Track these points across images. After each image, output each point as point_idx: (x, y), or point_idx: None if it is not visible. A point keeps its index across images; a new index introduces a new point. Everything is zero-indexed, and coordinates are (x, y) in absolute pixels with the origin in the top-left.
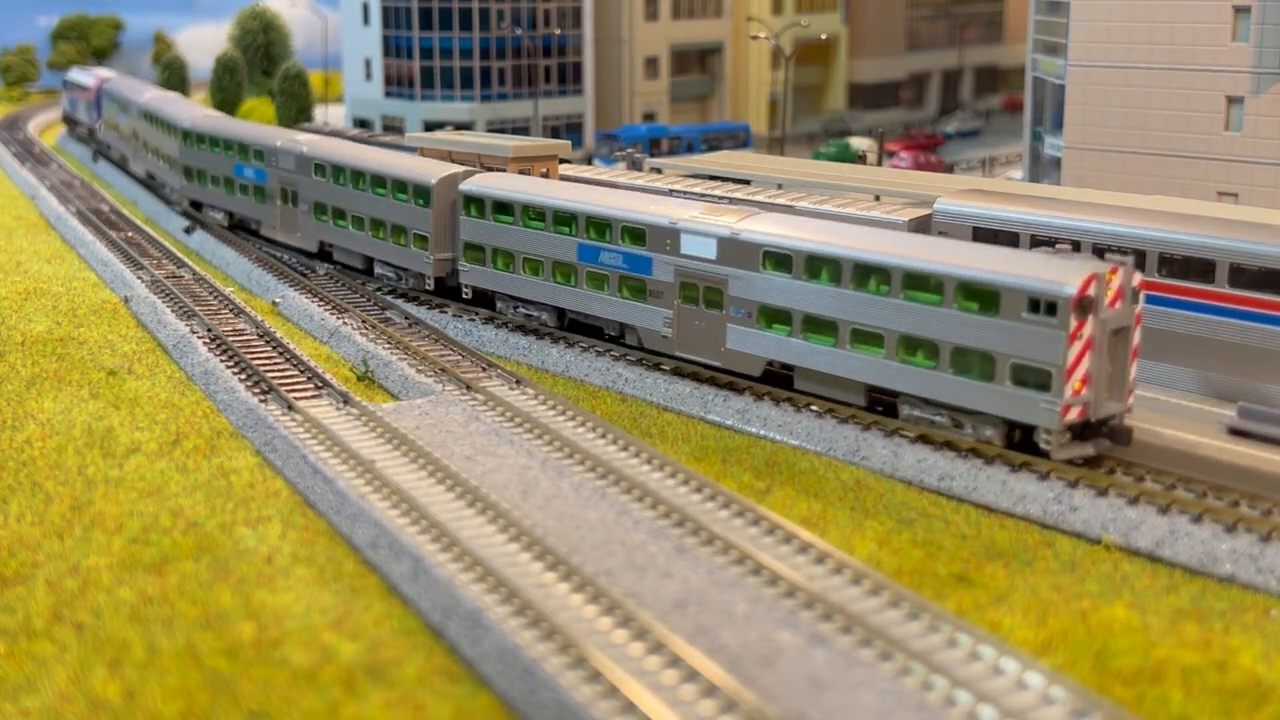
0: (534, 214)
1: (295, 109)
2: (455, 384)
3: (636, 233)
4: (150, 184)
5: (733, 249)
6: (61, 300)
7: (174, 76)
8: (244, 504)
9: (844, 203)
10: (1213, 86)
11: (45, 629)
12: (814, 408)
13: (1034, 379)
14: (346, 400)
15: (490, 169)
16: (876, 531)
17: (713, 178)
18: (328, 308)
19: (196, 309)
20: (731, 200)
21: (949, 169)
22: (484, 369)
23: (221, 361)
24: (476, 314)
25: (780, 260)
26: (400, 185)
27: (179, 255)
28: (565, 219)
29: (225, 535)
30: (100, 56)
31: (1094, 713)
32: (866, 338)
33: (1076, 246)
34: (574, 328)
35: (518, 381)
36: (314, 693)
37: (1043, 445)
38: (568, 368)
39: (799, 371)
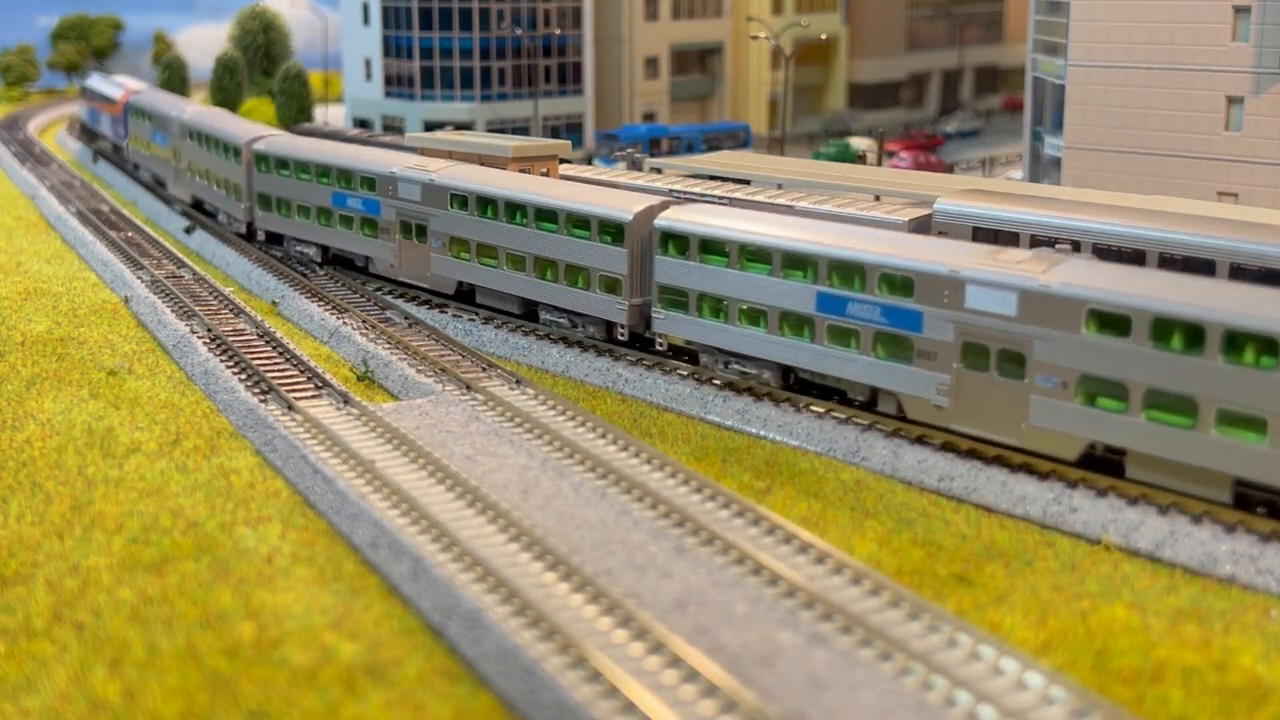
0: (754, 255)
1: (295, 109)
2: (455, 384)
3: (902, 281)
4: (152, 186)
5: (1041, 305)
6: (61, 300)
7: (174, 76)
8: (244, 504)
9: (844, 203)
10: (1213, 86)
11: (45, 629)
12: (815, 408)
13: None
14: (346, 400)
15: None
16: (876, 531)
17: (713, 178)
18: (328, 308)
19: (196, 309)
20: (732, 201)
21: (949, 169)
22: (484, 369)
23: (221, 361)
24: (476, 314)
25: (1111, 321)
26: (579, 220)
27: (179, 255)
28: (799, 262)
29: (225, 535)
30: (100, 56)
31: (1094, 713)
32: (1232, 420)
33: (1076, 246)
34: (801, 387)
35: (518, 381)
36: (314, 693)
37: None
38: (568, 368)
39: (1132, 456)
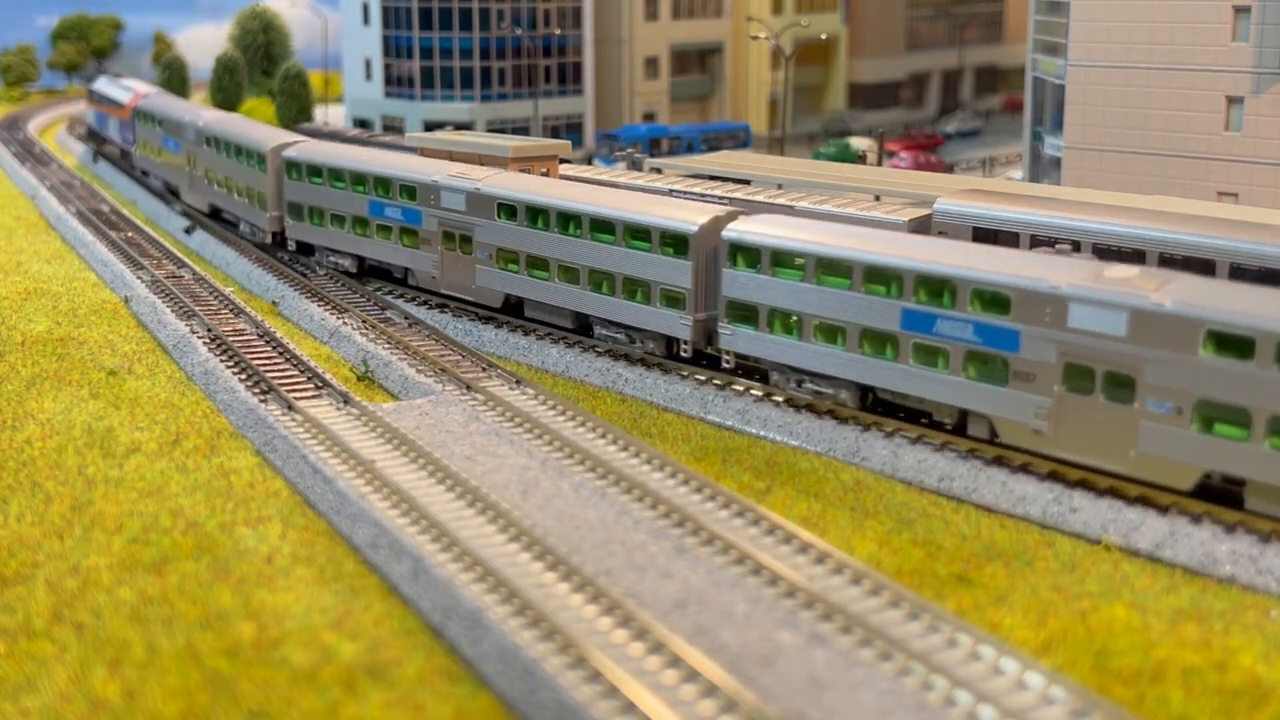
0: (832, 268)
1: (295, 109)
2: (455, 384)
3: (998, 298)
4: (159, 190)
5: (1154, 325)
6: (61, 300)
7: (174, 76)
8: (244, 504)
9: (844, 203)
10: (1213, 86)
11: (45, 629)
12: (815, 408)
13: None
14: (346, 400)
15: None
16: (876, 532)
17: (713, 178)
18: (328, 308)
19: (196, 309)
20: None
21: (949, 169)
22: (484, 369)
23: (221, 361)
24: (476, 314)
25: (1232, 343)
26: (639, 231)
27: (179, 255)
28: (882, 276)
29: (225, 535)
30: (100, 56)
31: (1094, 713)
32: None
33: (1076, 246)
34: (882, 408)
35: (518, 381)
36: (314, 693)
37: None
38: (568, 368)
39: (1253, 487)
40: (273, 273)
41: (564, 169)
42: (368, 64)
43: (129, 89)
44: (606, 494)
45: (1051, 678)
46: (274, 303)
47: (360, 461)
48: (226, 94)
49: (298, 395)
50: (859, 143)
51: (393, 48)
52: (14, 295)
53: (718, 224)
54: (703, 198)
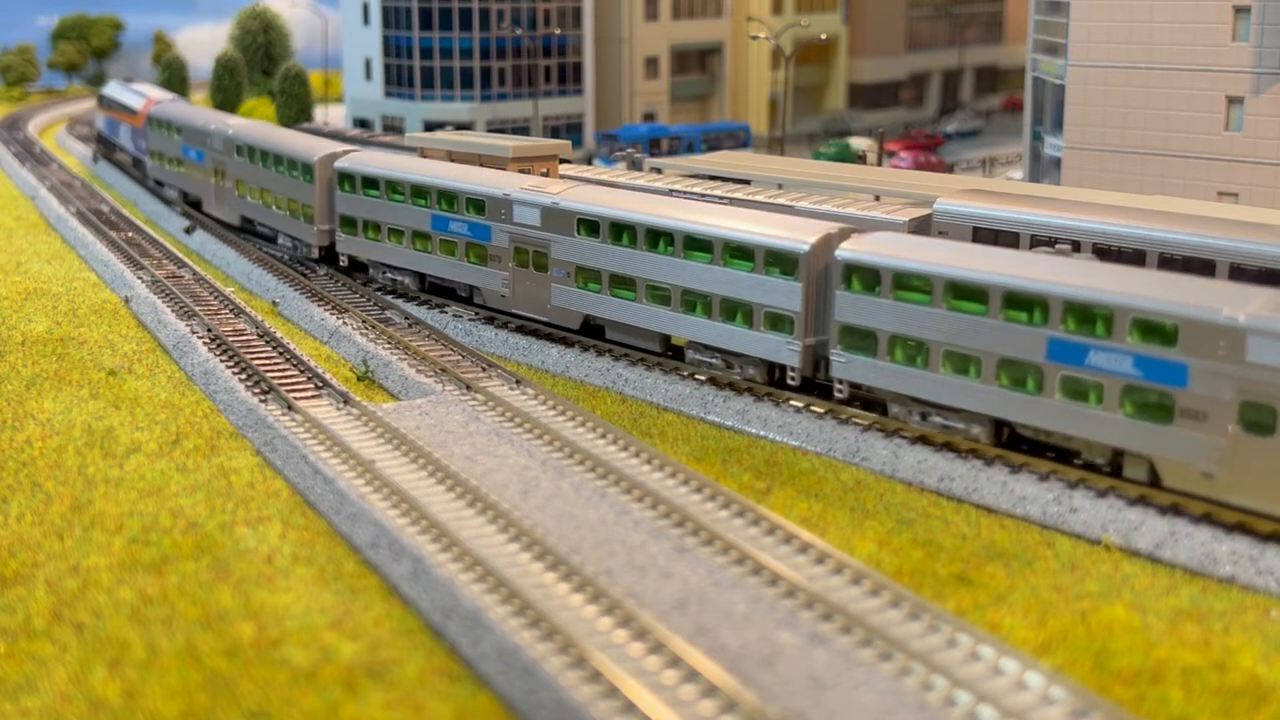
0: (966, 292)
1: (295, 109)
2: (455, 384)
3: (1163, 328)
4: (152, 187)
5: None
6: (61, 300)
7: (174, 76)
8: (244, 504)
9: (844, 203)
10: (1213, 86)
11: (45, 629)
12: (815, 409)
13: None
14: (346, 400)
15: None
16: (876, 532)
17: (713, 178)
18: (328, 308)
19: (196, 309)
20: (733, 201)
21: (949, 169)
22: (484, 369)
23: (221, 361)
24: (476, 314)
25: None
26: (741, 250)
27: (179, 255)
28: (1024, 302)
29: (225, 535)
30: (100, 56)
31: (1094, 713)
32: None
33: (1076, 246)
34: (1023, 445)
35: (518, 381)
36: (314, 693)
37: None
38: (568, 368)
39: None
40: (273, 273)
41: (564, 169)
42: (368, 64)
43: (141, 94)
44: (606, 494)
45: (1051, 678)
46: (274, 303)
47: (360, 461)
48: (226, 94)
49: (298, 395)
50: (859, 143)
51: (393, 48)
52: (14, 295)
53: (829, 242)
54: (702, 198)
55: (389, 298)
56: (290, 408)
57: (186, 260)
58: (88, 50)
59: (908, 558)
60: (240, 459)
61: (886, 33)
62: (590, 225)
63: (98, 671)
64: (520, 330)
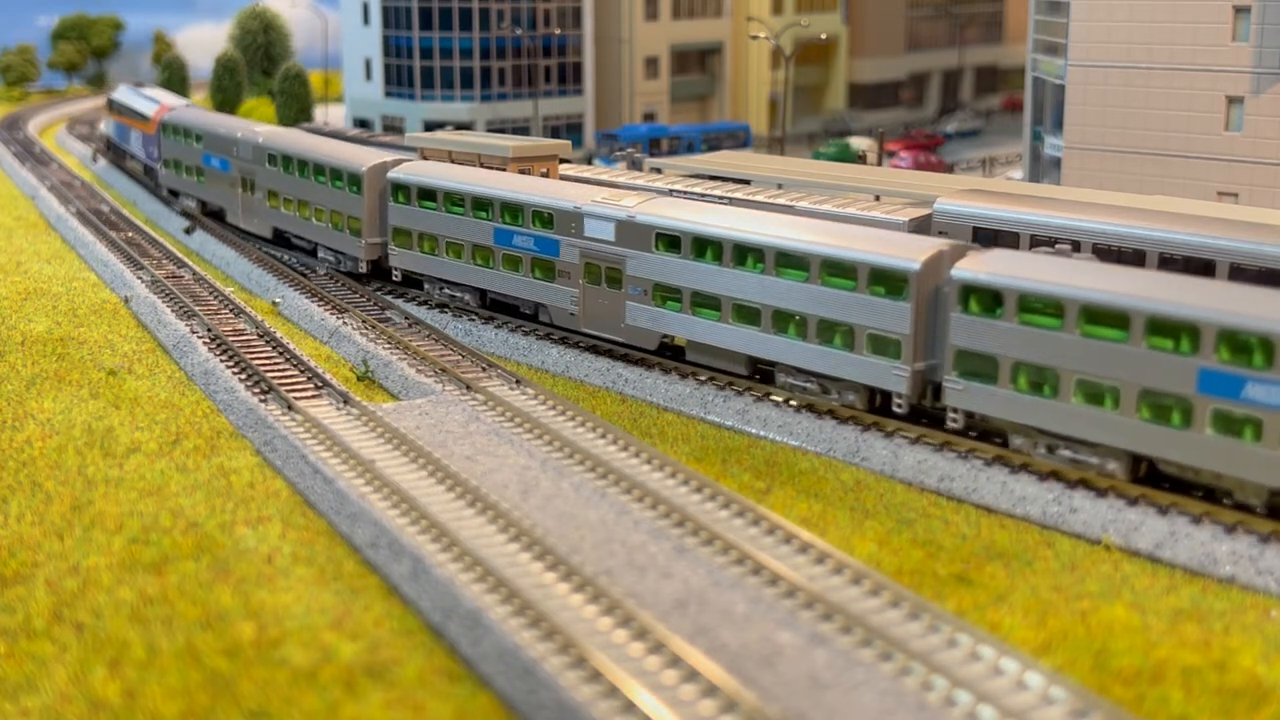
0: (1102, 317)
1: (295, 109)
2: (455, 384)
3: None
4: (145, 182)
5: None
6: (61, 300)
7: (174, 76)
8: (244, 504)
9: (844, 203)
10: (1213, 86)
11: (45, 629)
12: (814, 409)
13: None
14: (346, 400)
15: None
16: (876, 531)
17: (713, 178)
18: (328, 308)
19: (196, 309)
20: (732, 201)
21: (949, 169)
22: (484, 369)
23: (221, 361)
24: (476, 314)
25: None
26: (841, 267)
27: (179, 255)
28: (1170, 329)
29: (225, 535)
30: (100, 56)
31: (1094, 713)
32: None
33: (1077, 246)
34: (1165, 483)
35: (518, 381)
36: (314, 693)
37: None
38: (568, 368)
39: None
40: (273, 273)
41: (564, 169)
42: (368, 64)
43: (154, 100)
44: (606, 494)
45: (1051, 678)
46: (274, 303)
47: (360, 461)
48: (226, 94)
49: (298, 395)
50: (859, 143)
51: (393, 48)
52: (14, 295)
53: (941, 260)
54: (702, 198)
55: (389, 297)
56: (290, 408)
57: (186, 260)
58: (88, 50)
59: (908, 558)
60: (240, 459)
61: (886, 33)
62: (670, 240)
63: (98, 671)
64: (520, 330)
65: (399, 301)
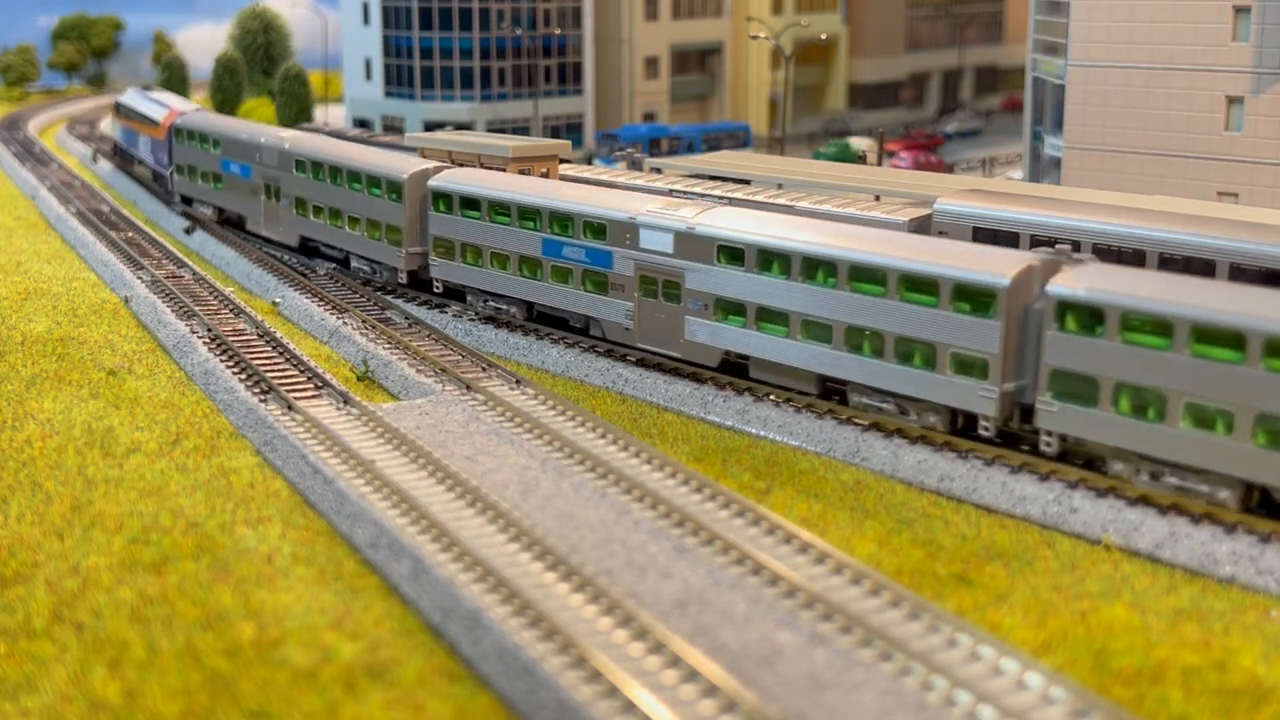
0: (1213, 337)
1: (295, 109)
2: (455, 384)
3: None
4: (150, 184)
5: None
6: (61, 300)
7: (174, 76)
8: (244, 504)
9: (844, 203)
10: (1213, 86)
11: (45, 629)
12: (814, 409)
13: None
14: (346, 400)
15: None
16: (876, 531)
17: (713, 178)
18: (328, 308)
19: (196, 309)
20: (732, 200)
21: (949, 169)
22: (484, 369)
23: (221, 361)
24: (476, 314)
25: None
26: (921, 283)
27: (179, 255)
28: None
29: (225, 535)
30: (100, 56)
31: (1094, 713)
32: None
33: (1077, 246)
34: None
35: (518, 381)
36: (314, 693)
37: None
38: (568, 368)
39: None
40: (273, 273)
41: (564, 169)
42: (368, 64)
43: (163, 104)
44: (606, 494)
45: (1051, 678)
46: (274, 303)
47: (360, 461)
48: (226, 94)
49: (298, 395)
50: (859, 143)
51: (393, 48)
52: (14, 295)
53: (1031, 275)
54: (701, 198)
55: (389, 297)
56: (290, 408)
57: (186, 260)
58: (88, 50)
59: (908, 558)
60: (240, 459)
61: (886, 33)
62: (733, 253)
63: (98, 671)
64: (520, 330)
65: (399, 301)
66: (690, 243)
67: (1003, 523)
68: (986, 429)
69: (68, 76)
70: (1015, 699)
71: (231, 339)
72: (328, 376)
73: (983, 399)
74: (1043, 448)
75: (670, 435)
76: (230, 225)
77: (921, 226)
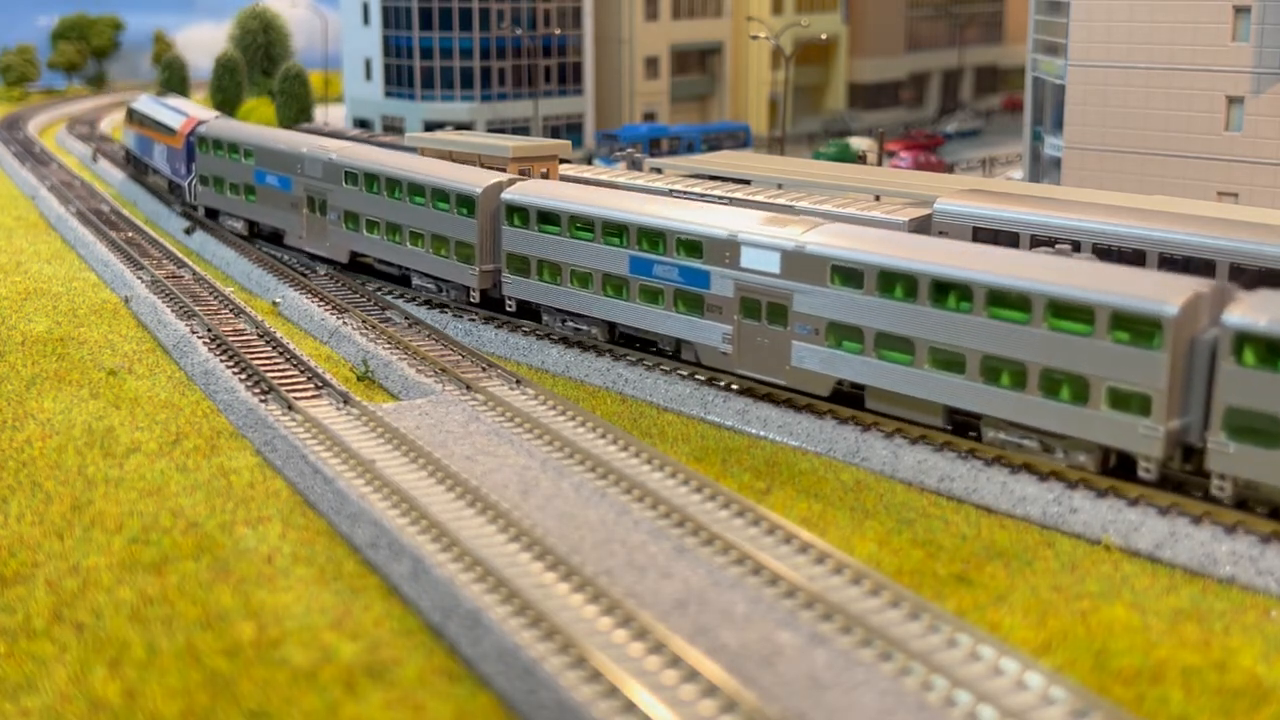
0: None
1: (295, 109)
2: (455, 384)
3: None
4: (153, 186)
5: None
6: (62, 300)
7: (174, 76)
8: (244, 504)
9: (844, 203)
10: (1213, 86)
11: (45, 629)
12: (814, 409)
13: None
14: (346, 400)
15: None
16: (876, 532)
17: (713, 178)
18: (328, 308)
19: (196, 309)
20: (732, 200)
21: (949, 169)
22: (484, 369)
23: (221, 361)
24: (476, 314)
25: None
26: (1071, 310)
27: (179, 255)
28: None
29: (225, 535)
30: (100, 56)
31: (1094, 713)
32: None
33: (1077, 246)
34: None
35: (518, 381)
36: (314, 693)
37: None
38: (568, 368)
39: None
40: (273, 273)
41: (564, 169)
42: (368, 64)
43: (179, 111)
44: (606, 494)
45: (1051, 678)
46: (274, 303)
47: (360, 461)
48: (226, 94)
49: (298, 395)
50: (859, 143)
51: (393, 48)
52: (14, 295)
53: (1200, 303)
54: (701, 198)
55: (389, 297)
56: (290, 408)
57: (186, 260)
58: (88, 50)
59: (908, 558)
60: (240, 459)
61: (886, 33)
62: (849, 274)
63: (98, 671)
64: (520, 330)
65: (399, 301)
66: (800, 262)
67: (1003, 523)
68: (1147, 470)
69: (68, 76)
70: (1015, 699)
71: (232, 339)
72: (328, 376)
73: (1145, 438)
74: (1214, 491)
75: (670, 435)
76: (263, 239)
77: (922, 226)
